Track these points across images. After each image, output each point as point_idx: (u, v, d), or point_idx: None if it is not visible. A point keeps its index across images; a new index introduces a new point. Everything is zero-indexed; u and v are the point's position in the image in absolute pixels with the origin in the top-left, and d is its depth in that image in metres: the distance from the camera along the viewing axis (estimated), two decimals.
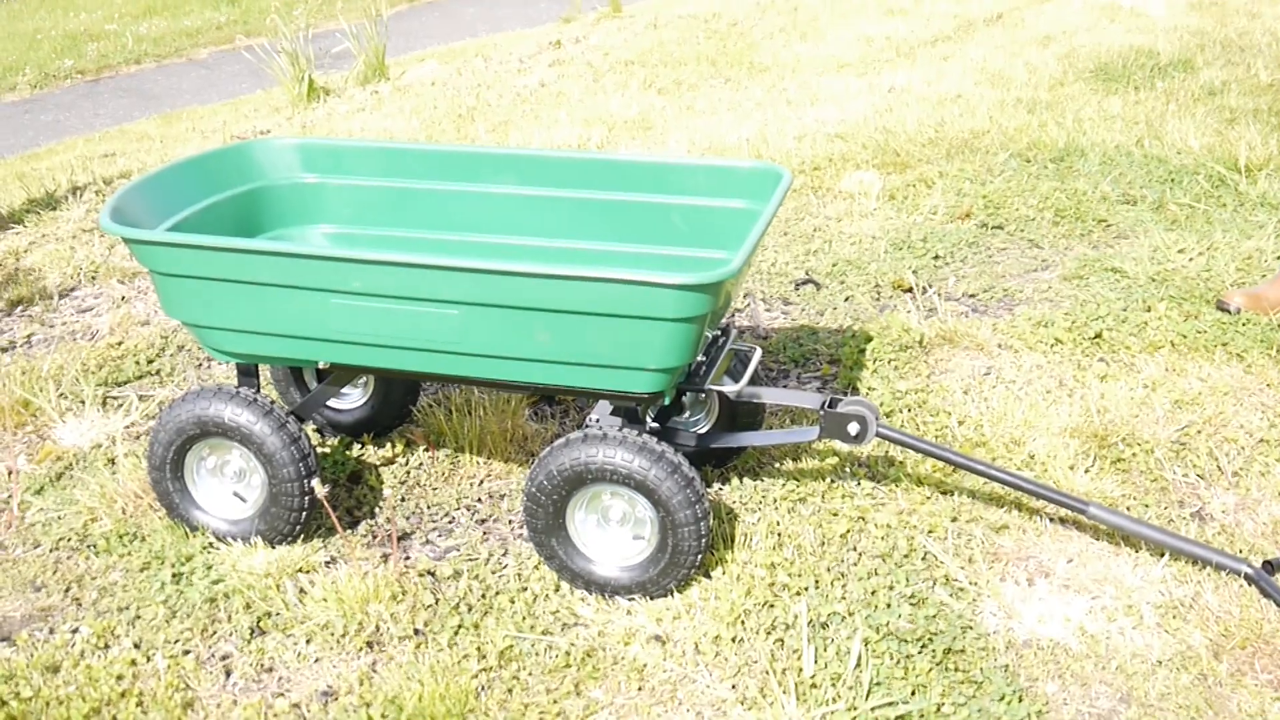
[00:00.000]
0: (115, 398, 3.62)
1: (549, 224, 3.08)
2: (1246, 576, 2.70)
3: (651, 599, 2.69)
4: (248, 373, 2.91)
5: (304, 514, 2.83)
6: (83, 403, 3.56)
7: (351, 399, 3.37)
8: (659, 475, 2.54)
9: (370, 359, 2.70)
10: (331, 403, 3.36)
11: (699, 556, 2.62)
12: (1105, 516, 2.77)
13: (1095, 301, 3.96)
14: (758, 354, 2.96)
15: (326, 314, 2.62)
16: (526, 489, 2.66)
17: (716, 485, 3.09)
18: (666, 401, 2.69)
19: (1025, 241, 4.50)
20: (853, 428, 2.78)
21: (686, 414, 3.15)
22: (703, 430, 3.13)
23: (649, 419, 2.88)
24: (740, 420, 3.10)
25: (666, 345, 2.47)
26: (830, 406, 2.81)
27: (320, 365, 2.81)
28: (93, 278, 4.50)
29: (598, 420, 2.71)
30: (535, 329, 2.51)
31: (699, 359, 2.86)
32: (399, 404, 3.37)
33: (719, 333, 2.95)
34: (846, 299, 4.08)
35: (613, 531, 2.71)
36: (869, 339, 3.78)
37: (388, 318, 2.58)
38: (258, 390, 2.86)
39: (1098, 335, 3.74)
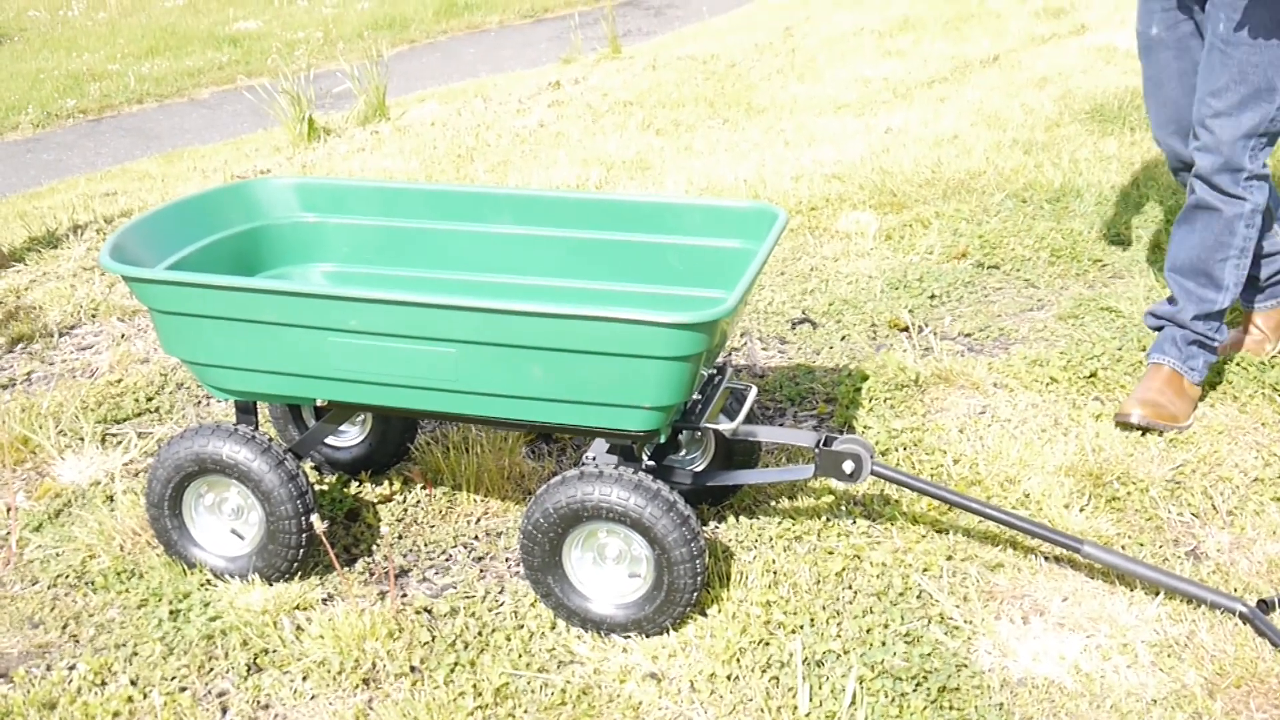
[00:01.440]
0: (114, 435, 3.63)
1: (546, 263, 3.10)
2: (1241, 615, 2.71)
3: (647, 637, 2.70)
4: (246, 410, 2.93)
5: (301, 551, 2.84)
6: (82, 440, 3.57)
7: (349, 437, 3.38)
8: (655, 513, 2.55)
9: (368, 397, 2.72)
10: (330, 440, 3.37)
11: (695, 594, 2.63)
12: (1099, 555, 2.78)
13: (1091, 341, 3.97)
14: (753, 392, 2.97)
15: (324, 352, 2.64)
16: (523, 526, 2.68)
17: (712, 523, 3.10)
18: (662, 439, 2.70)
19: (1021, 281, 4.53)
20: (848, 466, 2.79)
21: (683, 452, 3.16)
22: (699, 469, 3.15)
23: (645, 457, 2.89)
24: (736, 459, 3.12)
25: (661, 383, 2.49)
26: (826, 445, 2.82)
27: (318, 403, 2.82)
28: (93, 315, 4.52)
29: (594, 458, 2.73)
30: (531, 367, 2.53)
31: (695, 397, 2.87)
32: (397, 442, 3.38)
33: (715, 371, 2.97)
34: (843, 338, 4.10)
35: (609, 569, 2.72)
36: (865, 378, 3.80)
37: (385, 356, 2.60)
38: (256, 428, 2.87)
39: (1093, 374, 3.75)
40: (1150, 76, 3.54)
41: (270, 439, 2.82)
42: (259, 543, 2.86)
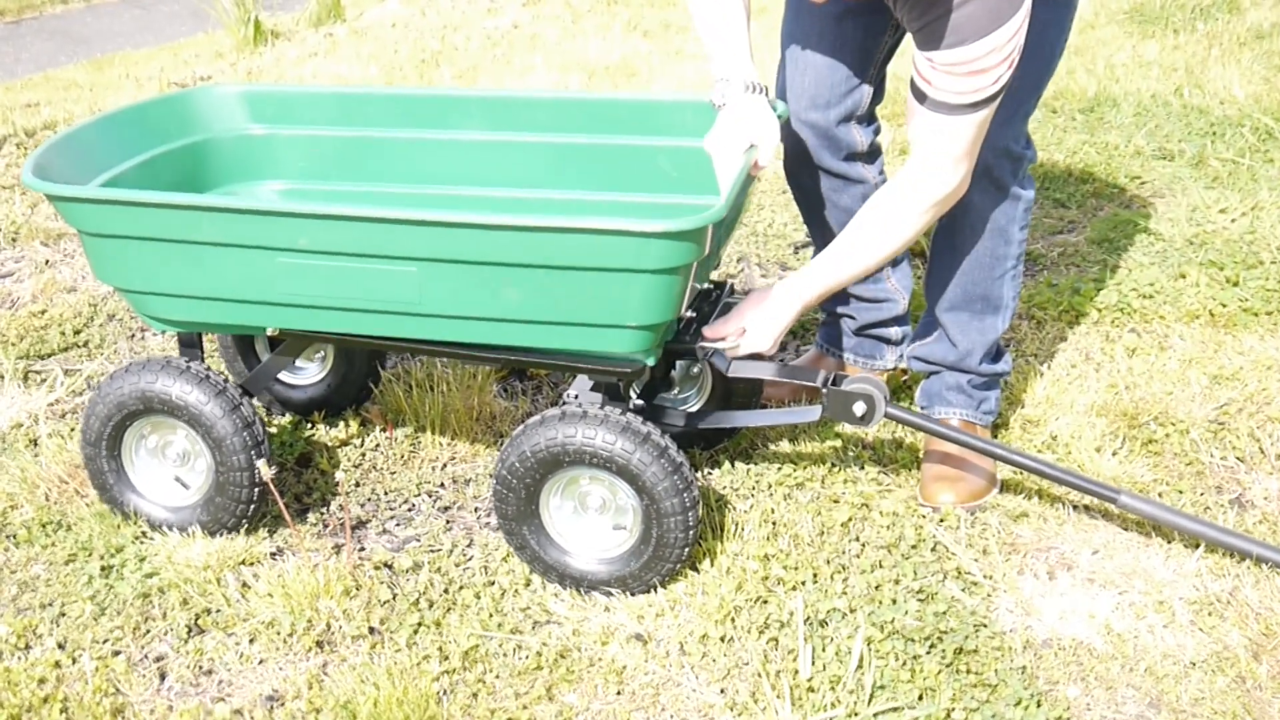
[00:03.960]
0: (38, 372, 3.62)
1: (524, 172, 3.08)
2: None
3: (632, 595, 2.71)
4: (190, 343, 2.91)
5: (252, 505, 2.84)
6: (2, 377, 3.57)
7: (308, 374, 3.38)
8: (643, 459, 2.55)
9: (322, 324, 2.70)
10: (285, 378, 3.37)
11: (686, 550, 2.64)
12: (1137, 505, 2.78)
13: (1126, 266, 3.98)
14: None
15: (273, 275, 2.61)
16: (496, 472, 2.67)
17: (705, 469, 3.11)
18: (651, 364, 2.68)
19: (1051, 201, 4.53)
20: (858, 407, 2.78)
21: (676, 390, 3.16)
22: (694, 408, 3.14)
23: (634, 395, 2.88)
24: (735, 398, 3.11)
25: (648, 299, 2.48)
26: (834, 384, 2.81)
27: (270, 333, 2.80)
28: (13, 239, 4.50)
29: (576, 396, 2.72)
30: (503, 287, 2.51)
31: (689, 314, 2.86)
32: (358, 382, 3.38)
33: (711, 286, 2.95)
34: None
35: (591, 520, 2.72)
36: None
37: (340, 277, 2.58)
38: (202, 362, 2.86)
39: (1128, 303, 3.76)
40: (795, 33, 3.04)
41: (225, 379, 2.81)
42: (206, 493, 2.86)
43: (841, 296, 3.32)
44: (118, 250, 2.69)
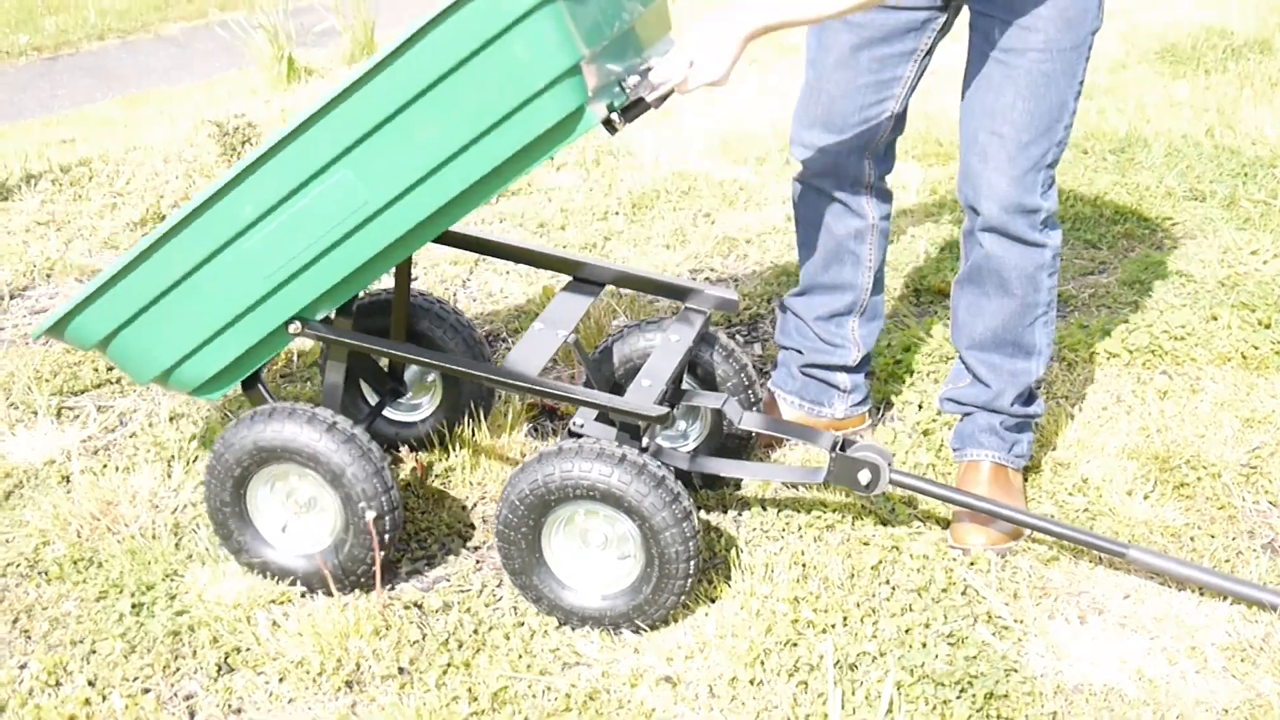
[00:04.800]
0: (71, 408, 3.64)
1: None
2: None
3: (654, 626, 2.72)
4: (250, 385, 2.93)
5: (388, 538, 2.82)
6: (35, 414, 3.58)
7: (421, 410, 3.40)
8: (623, 479, 2.58)
9: (318, 285, 2.69)
10: (397, 415, 3.39)
11: (691, 564, 2.64)
12: (1147, 559, 2.79)
13: (1158, 308, 3.98)
14: (723, 404, 3.00)
15: (250, 263, 2.65)
16: (496, 527, 2.72)
17: (735, 511, 3.12)
18: (598, 120, 2.58)
19: (1082, 241, 4.53)
20: (863, 475, 2.80)
21: (680, 425, 3.22)
22: (692, 445, 3.20)
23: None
24: (727, 442, 3.17)
25: (544, 46, 2.39)
26: (841, 449, 2.83)
27: (292, 330, 2.77)
28: (48, 276, 4.53)
29: (582, 425, 2.75)
30: (423, 131, 2.48)
31: (678, 373, 2.88)
32: (465, 408, 3.38)
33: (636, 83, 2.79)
34: (886, 302, 4.08)
35: (597, 556, 2.74)
36: (906, 348, 3.81)
37: (297, 224, 2.60)
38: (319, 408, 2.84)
39: (1160, 345, 3.75)
40: (816, 64, 3.07)
41: (352, 424, 2.79)
42: (336, 539, 2.82)
43: (794, 329, 3.36)
44: (133, 341, 2.76)
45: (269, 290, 2.69)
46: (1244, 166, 5.06)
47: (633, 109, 2.58)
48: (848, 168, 3.10)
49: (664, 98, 2.61)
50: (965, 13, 2.93)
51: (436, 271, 4.45)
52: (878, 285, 3.30)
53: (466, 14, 2.35)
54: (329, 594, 2.81)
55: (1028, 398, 3.11)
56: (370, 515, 2.73)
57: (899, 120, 3.10)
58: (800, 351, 3.36)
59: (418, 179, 2.54)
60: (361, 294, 3.30)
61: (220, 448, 2.80)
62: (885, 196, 3.21)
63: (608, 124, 2.54)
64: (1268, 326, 3.83)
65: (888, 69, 2.99)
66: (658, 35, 2.82)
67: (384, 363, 3.35)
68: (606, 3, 2.53)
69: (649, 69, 2.63)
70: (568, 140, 2.53)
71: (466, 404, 3.36)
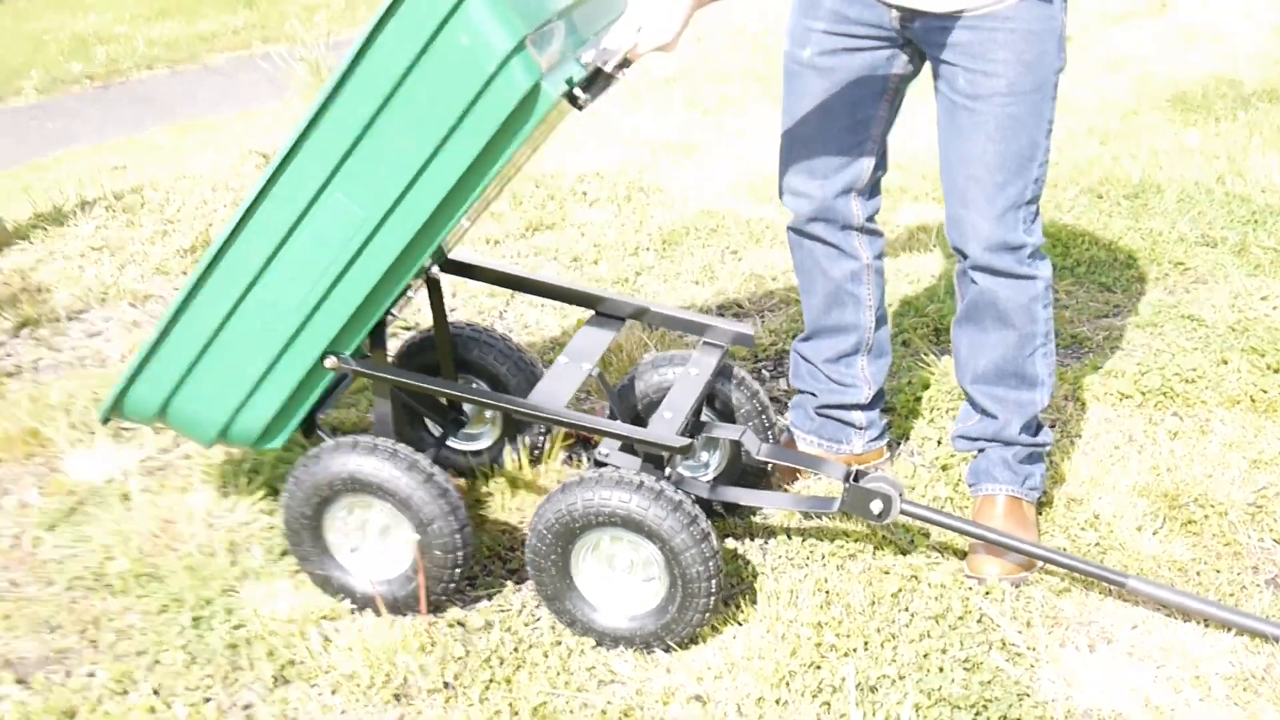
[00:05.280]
0: (126, 429, 3.69)
1: None
2: None
3: (681, 645, 2.77)
4: (308, 431, 2.99)
5: (453, 584, 2.87)
6: (94, 433, 3.64)
7: (483, 439, 3.44)
8: (641, 504, 2.62)
9: (341, 313, 2.71)
10: (463, 445, 3.43)
11: (714, 583, 2.68)
12: (1146, 589, 2.83)
13: (1170, 351, 4.01)
14: (742, 435, 3.06)
15: (273, 304, 2.69)
16: (527, 555, 2.77)
17: (761, 539, 3.17)
18: (572, 86, 2.55)
19: (1095, 285, 4.56)
20: (875, 505, 2.85)
21: (701, 457, 3.26)
22: (711, 475, 3.24)
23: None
24: (745, 473, 3.22)
25: (485, 31, 2.38)
26: (855, 480, 2.89)
27: (328, 364, 2.78)
28: (103, 300, 4.57)
29: (608, 454, 2.79)
30: (395, 142, 2.49)
31: (698, 405, 2.93)
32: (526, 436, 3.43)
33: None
34: (904, 342, 4.14)
35: (624, 580, 2.78)
36: (926, 385, 3.85)
37: (310, 254, 2.63)
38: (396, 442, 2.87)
39: (1171, 387, 3.79)
40: (791, 112, 3.09)
41: (427, 459, 2.81)
42: (407, 572, 2.87)
43: (806, 372, 3.39)
44: (185, 406, 2.82)
45: (295, 329, 2.72)
46: (1254, 213, 5.07)
47: (593, 81, 2.52)
48: (836, 210, 3.13)
49: (621, 65, 2.56)
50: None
51: (475, 303, 4.49)
52: (881, 322, 3.33)
53: (403, 16, 2.36)
54: (378, 614, 2.87)
55: (1035, 428, 3.15)
56: (415, 539, 2.79)
57: (880, 159, 3.13)
58: (814, 394, 3.40)
59: (406, 186, 2.54)
60: (413, 333, 3.36)
61: (302, 475, 2.83)
62: (876, 236, 3.24)
63: (571, 99, 2.50)
64: (1277, 371, 3.85)
65: (861, 110, 3.02)
66: (611, 15, 2.81)
67: (442, 398, 3.38)
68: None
69: (605, 44, 2.59)
70: (533, 120, 2.47)
71: (527, 433, 3.40)
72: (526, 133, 2.49)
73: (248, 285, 2.67)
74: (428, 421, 3.42)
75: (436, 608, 2.89)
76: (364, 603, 2.91)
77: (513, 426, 3.39)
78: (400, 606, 2.88)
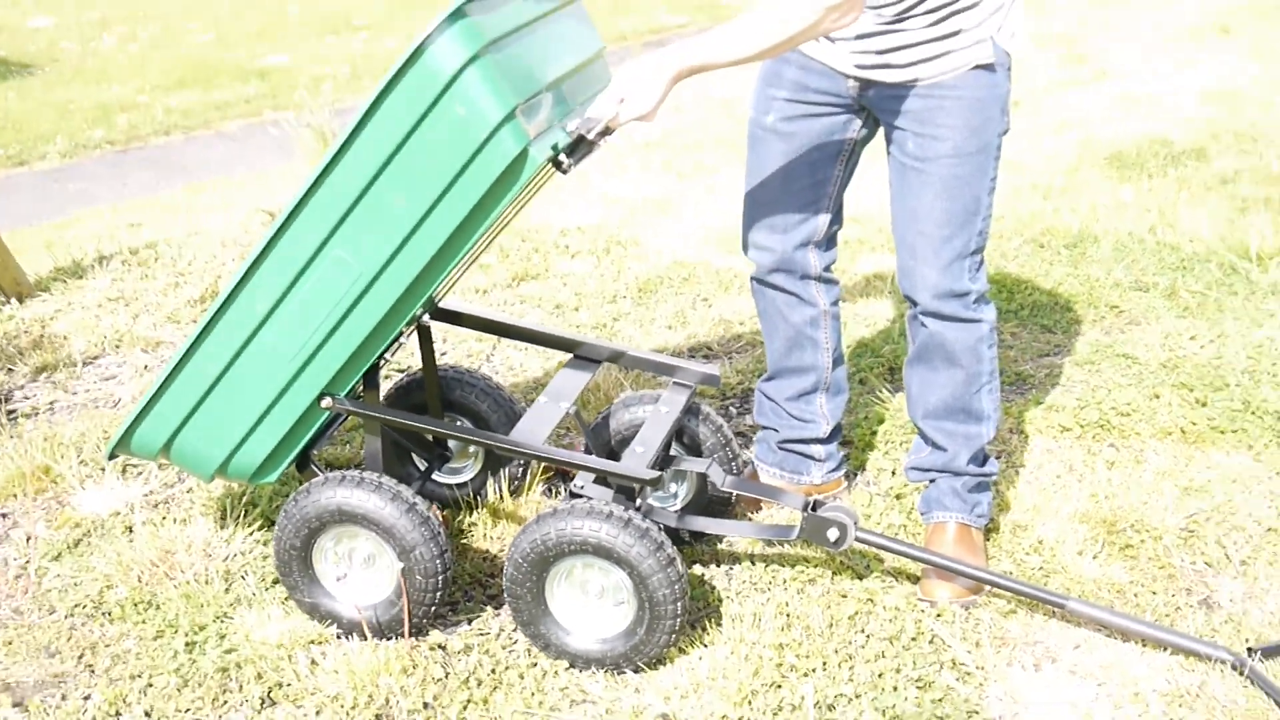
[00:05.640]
0: (134, 465, 3.64)
1: None
2: (1232, 666, 2.71)
3: (651, 666, 2.72)
4: (303, 466, 2.96)
5: (434, 608, 2.82)
6: (103, 470, 3.59)
7: (465, 473, 3.40)
8: (611, 532, 2.59)
9: (338, 356, 2.68)
10: (447, 479, 3.39)
11: (679, 605, 2.64)
12: (1085, 611, 2.80)
13: (1106, 387, 3.99)
14: (707, 469, 3.04)
15: (275, 347, 2.66)
16: (505, 583, 2.72)
17: (726, 565, 3.11)
18: (550, 155, 2.54)
19: (1038, 326, 4.54)
20: (832, 533, 2.82)
21: (669, 489, 3.21)
22: (679, 506, 3.19)
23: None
24: (710, 503, 3.17)
25: (478, 102, 2.38)
26: (813, 509, 2.85)
27: (324, 405, 2.76)
28: (117, 346, 4.55)
29: (582, 486, 2.76)
30: (391, 199, 2.48)
31: (668, 440, 2.90)
32: (505, 469, 3.39)
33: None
34: (860, 380, 4.11)
35: (595, 604, 2.74)
36: (882, 420, 3.81)
37: (309, 303, 2.61)
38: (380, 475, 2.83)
39: (1108, 420, 3.76)
40: (754, 173, 3.09)
41: (414, 493, 2.78)
42: (395, 591, 2.81)
43: (769, 410, 3.36)
44: (188, 443, 2.79)
45: (294, 373, 2.70)
46: (1183, 261, 5.09)
47: (576, 147, 2.51)
48: (795, 262, 3.13)
49: (603, 134, 2.55)
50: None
51: (464, 347, 4.46)
52: (838, 363, 3.31)
53: (405, 86, 2.36)
54: (363, 638, 2.81)
55: (982, 459, 3.12)
56: (399, 567, 2.74)
57: (836, 215, 3.13)
58: (776, 430, 3.37)
59: (400, 243, 2.53)
60: (403, 376, 3.34)
61: (293, 507, 2.79)
62: (833, 284, 3.24)
63: (556, 164, 2.50)
64: (1204, 405, 3.83)
65: (819, 171, 3.03)
66: (598, 86, 2.80)
67: (429, 434, 3.34)
68: (534, 56, 2.53)
69: (589, 112, 2.59)
70: (520, 182, 2.48)
71: (507, 466, 3.37)
72: (513, 194, 2.49)
73: (251, 332, 2.65)
74: (414, 457, 3.37)
75: (418, 630, 2.84)
76: (350, 628, 2.85)
77: (494, 460, 3.36)
78: (384, 630, 2.82)
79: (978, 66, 2.76)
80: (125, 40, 12.16)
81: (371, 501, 2.72)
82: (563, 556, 2.65)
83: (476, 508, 3.36)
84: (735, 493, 3.12)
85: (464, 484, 3.39)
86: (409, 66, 2.35)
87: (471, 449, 3.39)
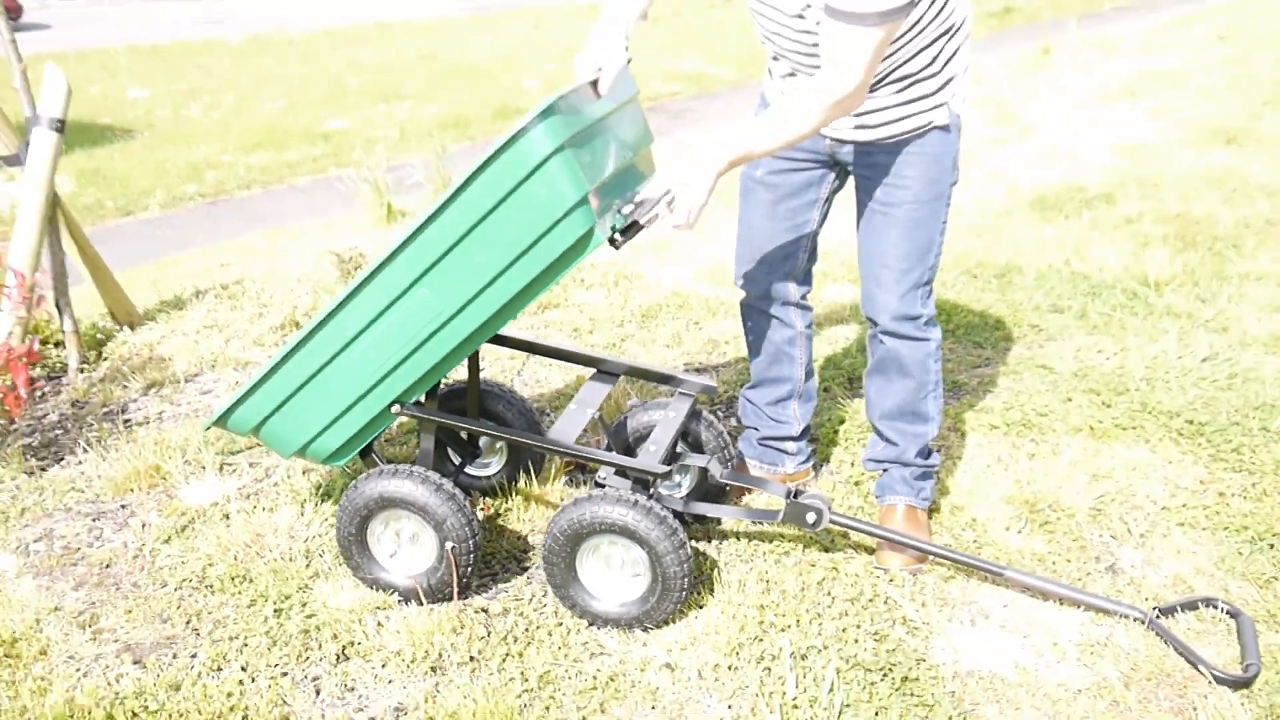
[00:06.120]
0: (230, 464, 3.69)
1: None
2: (1143, 622, 2.74)
3: (658, 627, 2.75)
4: (365, 454, 2.99)
5: (470, 569, 2.85)
6: (204, 468, 3.63)
7: (491, 467, 3.43)
8: (637, 518, 2.63)
9: (411, 375, 2.71)
10: (477, 471, 3.43)
11: (686, 581, 2.68)
12: (1019, 578, 2.83)
13: (1028, 393, 4.01)
14: (706, 463, 3.09)
15: (362, 359, 2.68)
16: (543, 552, 2.75)
17: (714, 541, 3.15)
18: (603, 239, 2.57)
19: (971, 343, 4.57)
20: (810, 517, 2.85)
21: (675, 479, 3.24)
22: (684, 493, 3.21)
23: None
24: (710, 492, 3.20)
25: (558, 186, 2.41)
26: (794, 497, 2.88)
27: (394, 411, 2.79)
28: (213, 366, 4.57)
29: (605, 477, 2.79)
30: (476, 255, 2.50)
31: (675, 439, 2.94)
32: (523, 465, 3.43)
33: (642, 180, 2.85)
34: (825, 389, 4.14)
35: (616, 575, 2.76)
36: (843, 420, 3.85)
37: (394, 330, 2.63)
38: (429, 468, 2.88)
39: (1029, 420, 3.79)
40: (745, 218, 3.12)
41: (452, 482, 2.82)
42: (434, 565, 2.84)
43: (751, 412, 3.40)
44: (276, 427, 2.82)
45: (374, 383, 2.73)
46: (1093, 288, 5.10)
47: (630, 230, 2.54)
48: (778, 291, 3.17)
49: (653, 220, 2.57)
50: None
51: (499, 364, 4.49)
52: (809, 375, 3.35)
53: (498, 166, 2.39)
54: (420, 603, 2.86)
55: (927, 453, 3.15)
56: (448, 546, 2.78)
57: (812, 253, 3.17)
58: (757, 429, 3.41)
59: (476, 292, 2.56)
60: (444, 384, 3.36)
61: (351, 494, 2.83)
62: (807, 310, 3.27)
63: (611, 242, 2.52)
64: (1109, 406, 3.87)
65: (799, 215, 3.07)
66: (646, 172, 2.85)
67: (463, 434, 3.39)
68: (603, 150, 2.56)
69: (640, 198, 2.62)
70: (582, 256, 2.52)
71: (524, 462, 3.41)
72: (577, 263, 2.54)
73: (342, 346, 2.68)
74: (450, 452, 3.42)
75: (464, 589, 2.87)
76: (407, 595, 2.89)
77: (515, 456, 3.40)
78: (434, 593, 2.86)
79: (935, 127, 2.79)
80: (210, 108, 12.20)
81: (407, 486, 2.78)
82: (595, 534, 2.68)
83: (503, 496, 3.39)
84: (729, 483, 3.15)
85: (490, 475, 3.44)
86: (505, 150, 2.37)
87: (498, 445, 3.43)
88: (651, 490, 2.86)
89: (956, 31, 2.72)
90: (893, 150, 2.82)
